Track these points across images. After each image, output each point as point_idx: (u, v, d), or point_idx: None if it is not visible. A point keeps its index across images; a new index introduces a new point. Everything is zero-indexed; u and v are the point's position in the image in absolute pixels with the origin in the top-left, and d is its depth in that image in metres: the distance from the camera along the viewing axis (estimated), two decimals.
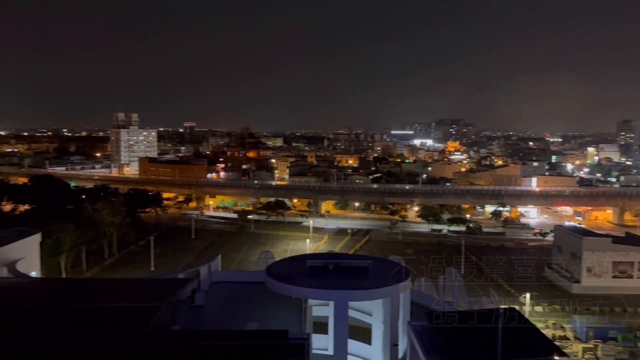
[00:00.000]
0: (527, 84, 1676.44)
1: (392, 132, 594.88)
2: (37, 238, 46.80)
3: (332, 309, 29.63)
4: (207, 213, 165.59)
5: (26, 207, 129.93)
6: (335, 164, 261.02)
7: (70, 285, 42.65)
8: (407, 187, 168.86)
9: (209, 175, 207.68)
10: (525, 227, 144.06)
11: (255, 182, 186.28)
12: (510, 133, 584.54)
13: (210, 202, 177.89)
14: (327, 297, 29.84)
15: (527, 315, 44.04)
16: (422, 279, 48.82)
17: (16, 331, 23.24)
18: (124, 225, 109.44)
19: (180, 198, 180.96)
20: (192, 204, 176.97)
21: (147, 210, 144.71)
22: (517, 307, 36.08)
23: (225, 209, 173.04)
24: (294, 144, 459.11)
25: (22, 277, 38.08)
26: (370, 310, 34.37)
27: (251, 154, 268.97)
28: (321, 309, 33.68)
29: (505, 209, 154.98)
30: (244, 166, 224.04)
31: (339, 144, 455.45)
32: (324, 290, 29.55)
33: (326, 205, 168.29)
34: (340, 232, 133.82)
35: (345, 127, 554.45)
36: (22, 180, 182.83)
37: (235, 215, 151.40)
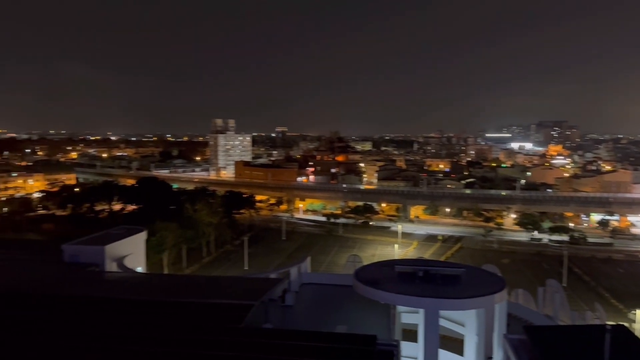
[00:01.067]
0: (639, 82, 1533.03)
1: (487, 135, 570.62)
2: (143, 236, 50.13)
3: (423, 317, 28.88)
4: (297, 215, 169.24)
5: (133, 206, 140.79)
6: (425, 168, 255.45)
7: (172, 281, 45.48)
8: (503, 193, 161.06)
9: (299, 179, 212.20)
10: (637, 238, 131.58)
11: (344, 185, 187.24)
12: (620, 136, 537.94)
13: (300, 205, 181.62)
14: (418, 304, 29.13)
15: (638, 334, 40.06)
16: (520, 290, 46.10)
17: (123, 321, 25.18)
18: (221, 225, 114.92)
19: (272, 200, 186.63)
20: (283, 207, 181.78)
21: (242, 211, 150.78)
22: (626, 325, 32.92)
23: (314, 212, 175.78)
24: (382, 148, 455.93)
25: (129, 272, 41.13)
26: (463, 321, 33.07)
27: (340, 158, 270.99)
28: (410, 316, 32.96)
29: (614, 218, 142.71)
30: (333, 170, 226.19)
31: (429, 148, 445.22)
32: (414, 297, 28.90)
33: (415, 211, 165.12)
34: (430, 239, 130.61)
35: (436, 130, 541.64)
36: (130, 182, 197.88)
37: (324, 219, 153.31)
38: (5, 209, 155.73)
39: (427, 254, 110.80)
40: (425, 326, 28.39)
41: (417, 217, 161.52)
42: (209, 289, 34.84)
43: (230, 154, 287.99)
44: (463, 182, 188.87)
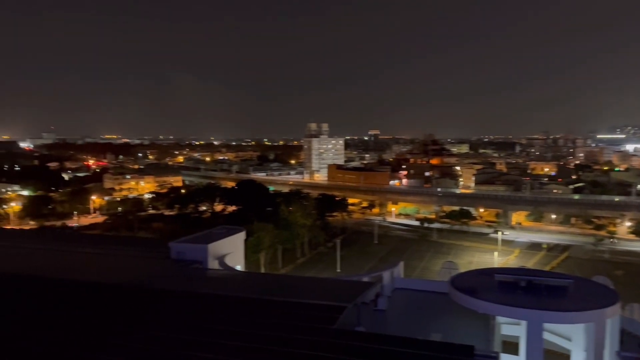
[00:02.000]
0: None
1: (598, 136, 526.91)
2: (242, 236, 52.26)
3: (525, 329, 27.23)
4: (389, 219, 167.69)
5: (233, 207, 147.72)
6: (529, 171, 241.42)
7: (268, 280, 47.03)
8: (616, 199, 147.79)
9: (391, 182, 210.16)
10: None
11: (439, 189, 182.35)
12: None
13: (393, 209, 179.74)
14: (520, 315, 27.51)
15: None
16: (636, 305, 41.89)
17: (225, 317, 26.43)
18: (314, 227, 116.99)
19: (364, 204, 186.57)
20: (375, 210, 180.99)
21: (334, 214, 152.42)
22: None
23: (407, 216, 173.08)
24: (480, 150, 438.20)
25: (229, 270, 43.11)
26: (570, 335, 30.73)
27: (434, 161, 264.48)
28: (511, 327, 31.25)
29: None
30: (427, 173, 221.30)
31: (532, 150, 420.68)
32: (515, 308, 27.34)
33: (517, 217, 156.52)
34: (533, 247, 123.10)
35: (540, 132, 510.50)
36: (230, 184, 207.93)
37: (417, 223, 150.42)
38: (120, 209, 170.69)
39: (530, 263, 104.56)
40: (527, 339, 26.75)
41: (519, 223, 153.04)
42: (303, 289, 35.51)
43: (324, 157, 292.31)
44: (571, 186, 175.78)
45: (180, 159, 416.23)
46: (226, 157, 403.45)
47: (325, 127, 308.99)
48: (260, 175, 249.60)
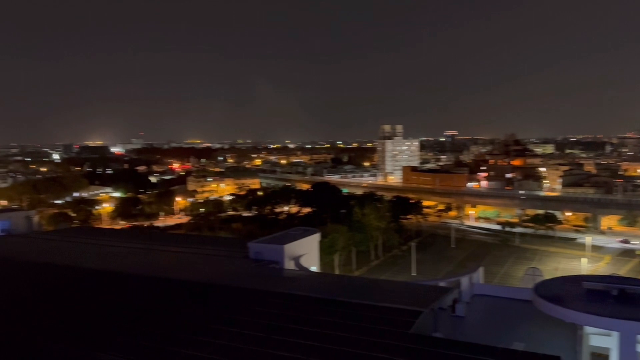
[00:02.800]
0: None
1: None
2: (317, 237, 52.84)
3: (617, 340, 25.36)
4: (467, 223, 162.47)
5: (308, 209, 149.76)
6: (621, 173, 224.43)
7: (343, 281, 47.16)
8: None
9: (469, 185, 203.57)
10: None
11: (521, 192, 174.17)
12: None
13: (471, 212, 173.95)
14: (612, 326, 25.65)
15: None
16: None
17: (301, 317, 26.85)
18: (388, 230, 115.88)
19: (440, 207, 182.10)
20: (452, 213, 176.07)
21: (409, 217, 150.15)
22: None
23: (486, 219, 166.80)
24: (567, 151, 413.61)
25: (304, 270, 43.75)
26: None
27: (516, 162, 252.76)
28: (600, 338, 29.18)
29: None
30: (508, 175, 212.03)
31: (625, 150, 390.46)
32: (607, 318, 25.52)
33: (608, 221, 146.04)
34: (626, 253, 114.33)
35: (634, 130, 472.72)
36: (305, 186, 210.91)
37: (498, 227, 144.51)
38: (202, 210, 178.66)
39: (623, 271, 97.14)
40: (620, 351, 24.91)
41: (610, 228, 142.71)
42: (378, 292, 35.26)
43: (398, 159, 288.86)
44: None
45: (258, 162, 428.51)
46: (301, 160, 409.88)
47: (399, 128, 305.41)
48: (334, 178, 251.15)
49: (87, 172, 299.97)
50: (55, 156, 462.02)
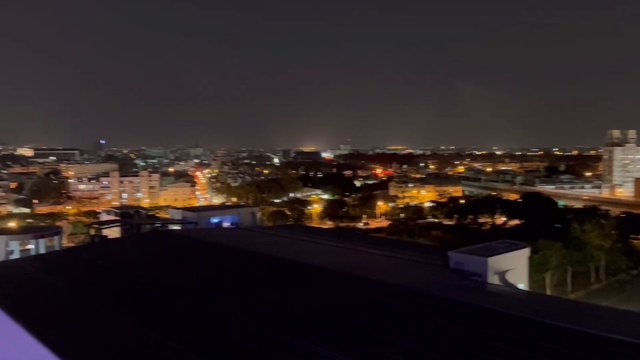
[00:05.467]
0: None
1: None
2: (525, 252, 48.86)
3: None
4: None
5: (516, 221, 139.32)
6: None
7: (555, 303, 42.56)
8: None
9: None
10: None
11: None
12: None
13: None
14: None
15: None
16: None
17: (501, 335, 24.94)
18: (614, 250, 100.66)
19: None
20: None
21: None
22: None
23: None
24: None
25: (510, 286, 40.72)
26: None
27: None
28: None
29: None
30: None
31: None
32: None
33: None
34: None
35: None
36: (513, 196, 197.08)
37: None
38: (401, 215, 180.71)
39: None
40: None
41: None
42: (597, 320, 30.90)
43: (629, 169, 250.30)
44: None
45: (461, 169, 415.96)
46: (509, 168, 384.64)
47: (631, 134, 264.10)
48: (547, 188, 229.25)
49: (301, 175, 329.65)
50: (276, 160, 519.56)
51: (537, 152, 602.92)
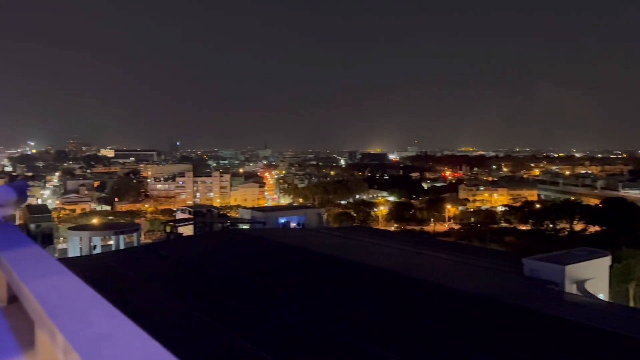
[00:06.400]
0: None
1: None
2: (607, 261, 46.11)
3: None
4: None
5: (596, 228, 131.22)
6: None
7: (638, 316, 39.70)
8: None
9: None
10: None
11: None
12: None
13: None
14: None
15: None
16: None
17: (578, 349, 23.55)
18: None
19: None
20: None
21: None
22: None
23: None
24: None
25: (590, 297, 38.44)
26: None
27: None
28: None
29: None
30: None
31: None
32: None
33: None
34: None
35: None
36: (593, 201, 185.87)
37: None
38: (472, 219, 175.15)
39: None
40: None
41: None
42: None
43: None
44: None
45: (536, 172, 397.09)
46: (589, 171, 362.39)
47: None
48: (632, 193, 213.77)
49: (367, 176, 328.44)
50: (342, 162, 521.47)
51: (620, 154, 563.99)
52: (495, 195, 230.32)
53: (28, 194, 4.39)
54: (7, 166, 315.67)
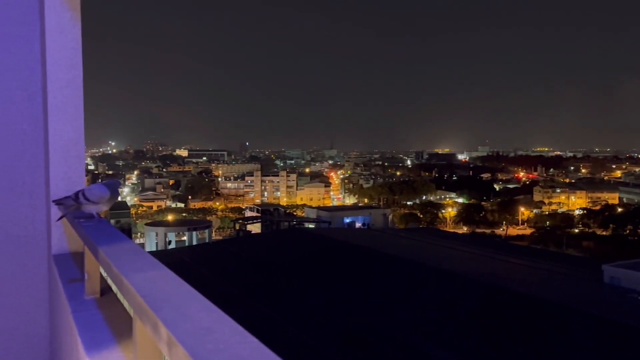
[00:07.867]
0: None
1: None
2: None
3: None
4: None
5: None
6: None
7: None
8: None
9: None
10: None
11: None
12: None
13: None
14: None
15: None
16: None
17: None
18: None
19: None
20: None
21: None
22: None
23: None
24: None
25: None
26: None
27: None
28: None
29: None
30: None
31: None
32: None
33: None
34: None
35: None
36: None
37: None
38: (547, 223, 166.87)
39: None
40: None
41: None
42: None
43: None
44: None
45: (618, 173, 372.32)
46: None
47: None
48: None
49: (435, 177, 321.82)
50: (408, 162, 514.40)
51: None
52: (572, 198, 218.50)
53: (119, 191, 4.71)
54: (90, 165, 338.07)
